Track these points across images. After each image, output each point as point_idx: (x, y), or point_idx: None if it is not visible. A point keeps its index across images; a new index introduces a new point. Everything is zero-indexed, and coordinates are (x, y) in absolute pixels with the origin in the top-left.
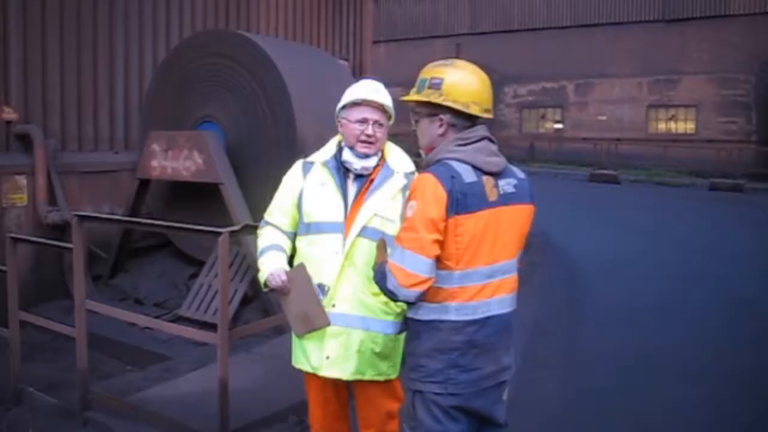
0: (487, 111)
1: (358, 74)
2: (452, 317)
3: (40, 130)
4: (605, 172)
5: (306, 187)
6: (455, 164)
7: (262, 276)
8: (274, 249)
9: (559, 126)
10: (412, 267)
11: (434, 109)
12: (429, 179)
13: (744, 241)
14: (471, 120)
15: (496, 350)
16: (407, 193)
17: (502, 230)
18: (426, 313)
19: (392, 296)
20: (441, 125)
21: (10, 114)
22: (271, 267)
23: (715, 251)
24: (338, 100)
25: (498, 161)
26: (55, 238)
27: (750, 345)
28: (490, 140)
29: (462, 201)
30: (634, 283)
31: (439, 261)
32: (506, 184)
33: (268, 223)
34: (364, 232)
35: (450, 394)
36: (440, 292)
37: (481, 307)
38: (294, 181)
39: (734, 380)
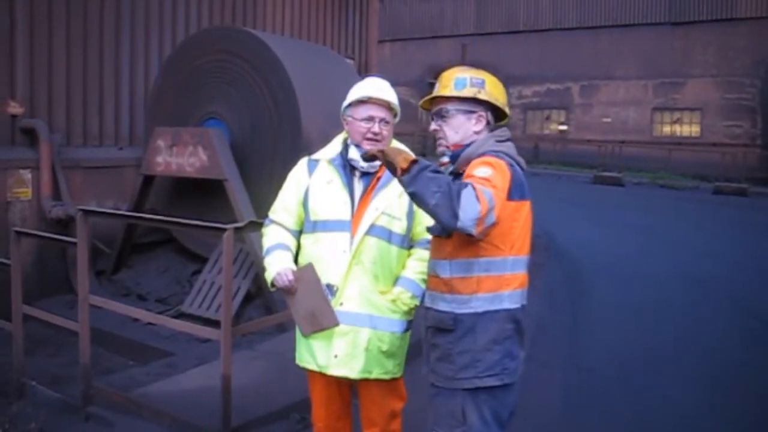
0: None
1: (363, 73)
2: (506, 305)
3: (46, 124)
4: (609, 174)
5: (312, 185)
6: (504, 155)
7: (269, 275)
8: (280, 248)
9: (564, 127)
10: (489, 199)
11: (474, 106)
12: (493, 160)
13: (747, 244)
14: (501, 121)
15: (526, 338)
16: None
17: (530, 223)
18: (481, 304)
19: (455, 218)
20: (478, 122)
21: (15, 108)
22: (277, 266)
23: (718, 254)
24: (344, 98)
25: (523, 160)
26: (58, 233)
27: (750, 346)
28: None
29: (519, 188)
30: (636, 284)
31: (494, 247)
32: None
33: (272, 222)
34: (372, 230)
35: (504, 385)
36: (496, 280)
37: (523, 296)
38: (299, 179)
39: (734, 381)
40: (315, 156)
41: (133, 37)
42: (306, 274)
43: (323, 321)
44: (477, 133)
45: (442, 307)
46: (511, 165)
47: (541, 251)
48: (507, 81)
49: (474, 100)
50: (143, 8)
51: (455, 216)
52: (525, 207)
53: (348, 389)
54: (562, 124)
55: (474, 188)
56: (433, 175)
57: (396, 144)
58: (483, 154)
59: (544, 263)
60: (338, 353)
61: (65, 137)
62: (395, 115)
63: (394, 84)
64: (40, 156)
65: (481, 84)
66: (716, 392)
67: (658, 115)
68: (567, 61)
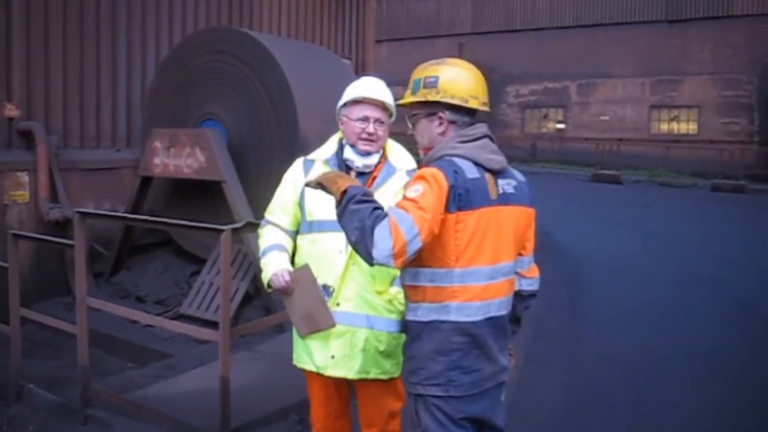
0: (485, 104)
1: (360, 73)
2: (453, 317)
3: (43, 126)
4: (607, 172)
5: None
6: (458, 160)
7: (266, 276)
8: (276, 249)
9: (562, 126)
10: (408, 229)
11: (432, 108)
12: (433, 170)
13: (747, 243)
14: (470, 115)
15: (494, 351)
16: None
17: (503, 230)
18: (425, 313)
19: (370, 257)
20: (441, 123)
21: (12, 110)
22: (274, 267)
23: (717, 252)
24: (341, 97)
25: (499, 159)
26: (56, 235)
27: (751, 346)
28: (491, 139)
29: (465, 197)
30: (636, 282)
31: (437, 259)
32: (506, 184)
33: (269, 222)
34: None
35: (451, 396)
36: (440, 291)
37: (483, 308)
38: (295, 179)
39: (735, 381)
40: (310, 156)
41: (129, 38)
42: (302, 275)
43: (320, 322)
44: (441, 134)
45: (408, 311)
46: (455, 173)
47: (540, 250)
48: (504, 80)
49: (429, 102)
50: (139, 9)
51: (369, 255)
52: (472, 216)
53: (346, 389)
54: (559, 122)
55: (390, 222)
56: (356, 208)
57: (393, 143)
58: (439, 159)
59: (542, 262)
60: (335, 354)
61: (62, 139)
62: (391, 115)
63: (391, 84)
64: (38, 158)
65: (434, 83)
66: (718, 393)
67: (656, 112)
68: (564, 60)
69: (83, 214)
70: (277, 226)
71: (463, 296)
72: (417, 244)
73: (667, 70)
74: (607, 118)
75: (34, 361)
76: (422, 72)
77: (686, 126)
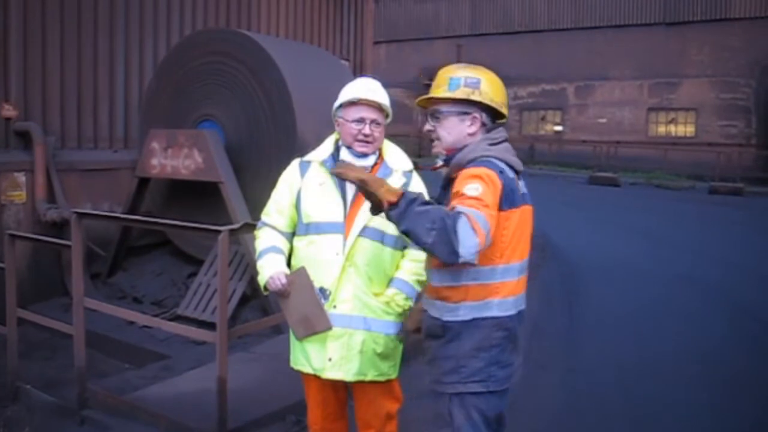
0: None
1: (358, 74)
2: (495, 313)
3: (40, 127)
4: (605, 174)
5: (304, 187)
6: (496, 161)
7: (262, 279)
8: (273, 251)
9: (559, 128)
10: (483, 225)
11: (468, 107)
12: (485, 170)
13: (745, 245)
14: (495, 121)
15: (521, 344)
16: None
17: (526, 228)
18: (467, 312)
19: (455, 255)
20: (473, 124)
21: (9, 111)
22: (270, 270)
23: (715, 254)
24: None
25: (520, 161)
26: (53, 236)
27: (748, 348)
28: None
29: (510, 196)
30: (633, 285)
31: (483, 256)
32: (523, 185)
33: (265, 224)
34: (365, 232)
35: (490, 392)
36: (484, 288)
37: (516, 303)
38: (291, 181)
39: (733, 383)
40: (307, 157)
41: (127, 39)
42: (299, 278)
43: (316, 325)
44: (471, 135)
45: (433, 313)
46: (501, 172)
47: (538, 252)
48: (502, 81)
49: (468, 101)
50: (137, 10)
51: (455, 252)
52: (515, 214)
53: (344, 391)
54: (557, 124)
55: (468, 218)
56: (423, 209)
57: (389, 145)
58: (474, 160)
59: (540, 264)
60: (333, 356)
61: (60, 140)
62: (387, 116)
63: (389, 85)
64: (35, 159)
65: (476, 84)
66: (715, 395)
67: (654, 115)
68: (562, 62)
69: (80, 215)
70: (273, 228)
71: (503, 292)
72: (489, 240)
73: (665, 73)
74: (604, 120)
75: (31, 362)
76: (458, 71)
77: (684, 128)
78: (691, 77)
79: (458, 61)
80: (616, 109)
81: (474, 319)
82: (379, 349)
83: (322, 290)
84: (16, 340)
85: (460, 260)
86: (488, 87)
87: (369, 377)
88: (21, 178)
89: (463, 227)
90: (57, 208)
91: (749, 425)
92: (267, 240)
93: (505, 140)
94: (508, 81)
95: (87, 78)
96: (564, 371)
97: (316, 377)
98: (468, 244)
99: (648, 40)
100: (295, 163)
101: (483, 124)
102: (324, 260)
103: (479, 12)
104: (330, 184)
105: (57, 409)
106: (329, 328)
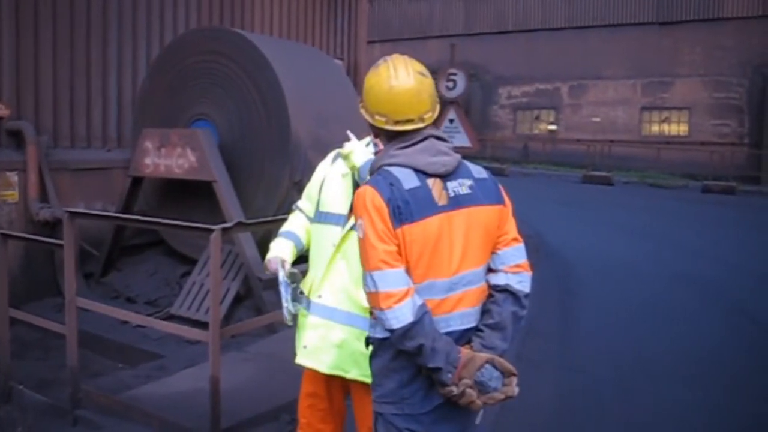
0: (398, 123)
1: (352, 74)
2: None
3: (32, 126)
4: (598, 173)
5: (328, 177)
6: (395, 170)
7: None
8: (285, 235)
9: (553, 127)
10: (386, 285)
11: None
12: (367, 191)
13: (739, 244)
14: (401, 131)
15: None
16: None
17: (460, 237)
18: (381, 330)
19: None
20: (375, 135)
21: (1, 110)
22: (272, 253)
23: (708, 253)
24: (332, 99)
25: (446, 160)
26: (46, 236)
27: (744, 347)
28: (438, 138)
29: (405, 209)
30: (628, 284)
31: None
32: (458, 186)
33: (297, 208)
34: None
35: (407, 415)
36: None
37: (440, 323)
38: (322, 168)
39: (729, 382)
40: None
41: (120, 38)
42: (279, 267)
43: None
44: (379, 144)
45: (369, 327)
46: (391, 185)
47: (531, 252)
48: (496, 81)
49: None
50: (130, 9)
51: (387, 327)
52: (417, 228)
53: (340, 392)
54: (551, 124)
55: (368, 298)
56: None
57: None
58: (379, 168)
59: (534, 264)
60: (307, 344)
61: (52, 139)
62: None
63: None
64: (27, 158)
65: (361, 97)
66: (710, 394)
67: (647, 114)
68: (556, 61)
69: (73, 214)
70: (303, 212)
71: None
72: (405, 277)
73: (658, 72)
74: (598, 119)
75: (24, 362)
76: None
77: (677, 128)
78: (684, 77)
79: (452, 60)
80: (609, 108)
81: (387, 338)
82: (364, 348)
83: (292, 275)
84: (8, 340)
85: (405, 324)
86: (365, 93)
87: (352, 375)
88: (13, 177)
89: (388, 318)
90: (50, 208)
91: (746, 424)
92: (288, 224)
93: (427, 138)
94: (501, 80)
95: (80, 77)
96: (558, 369)
97: (312, 369)
98: (399, 325)
99: (641, 39)
100: (332, 153)
101: (385, 131)
102: (323, 248)
103: (473, 11)
104: (349, 178)
105: (50, 409)
106: (287, 321)
